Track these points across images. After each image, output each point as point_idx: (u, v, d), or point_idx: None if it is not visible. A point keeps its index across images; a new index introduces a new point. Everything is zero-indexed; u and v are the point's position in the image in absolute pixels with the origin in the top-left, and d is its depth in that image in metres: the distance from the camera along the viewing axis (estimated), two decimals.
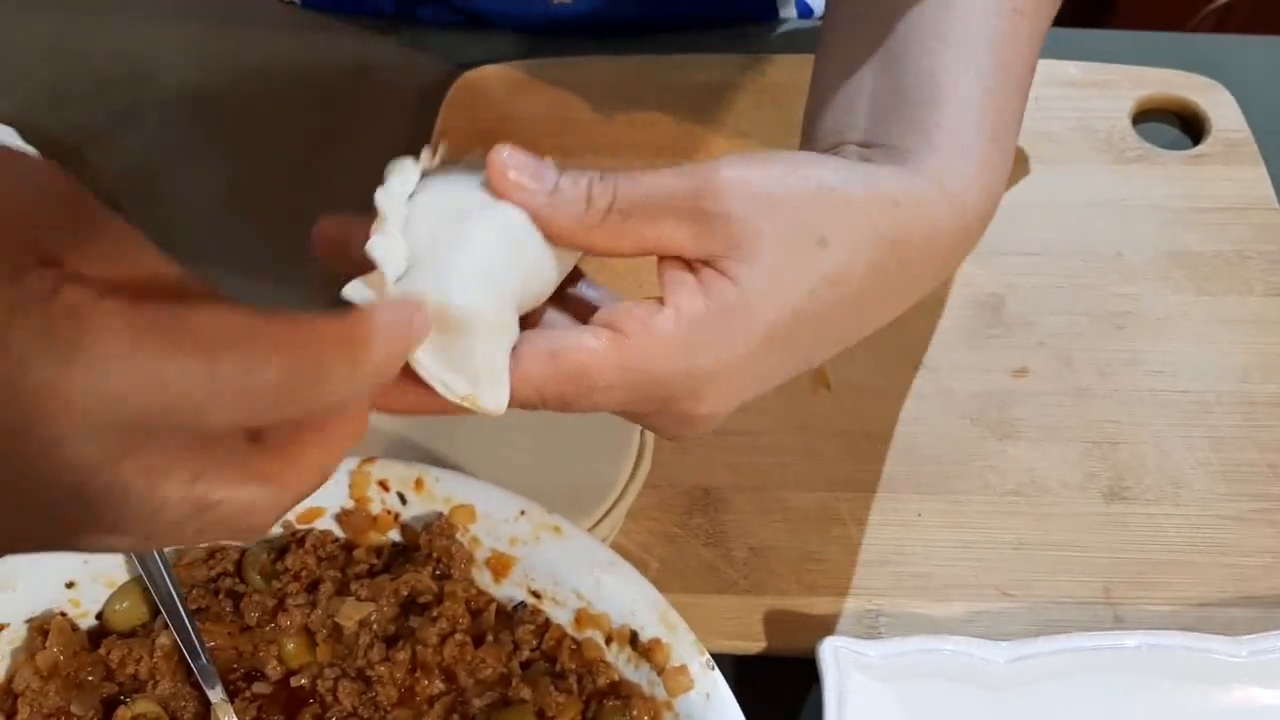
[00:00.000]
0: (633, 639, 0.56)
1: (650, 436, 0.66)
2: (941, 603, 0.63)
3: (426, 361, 0.41)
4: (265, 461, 0.36)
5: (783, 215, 0.45)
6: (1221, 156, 0.81)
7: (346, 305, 0.40)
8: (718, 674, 0.55)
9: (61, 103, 0.89)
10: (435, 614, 0.57)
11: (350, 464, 0.60)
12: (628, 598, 0.57)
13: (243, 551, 0.60)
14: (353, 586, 0.58)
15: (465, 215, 0.43)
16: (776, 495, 0.67)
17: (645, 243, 0.45)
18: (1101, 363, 0.72)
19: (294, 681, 0.57)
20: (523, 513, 0.59)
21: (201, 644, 0.56)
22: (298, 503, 0.37)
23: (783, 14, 0.96)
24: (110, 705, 0.56)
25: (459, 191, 0.44)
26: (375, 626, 0.57)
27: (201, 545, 0.39)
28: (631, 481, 0.65)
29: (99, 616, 0.59)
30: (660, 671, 0.55)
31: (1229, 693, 0.58)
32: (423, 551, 0.59)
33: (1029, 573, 0.64)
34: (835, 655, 0.58)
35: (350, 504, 0.60)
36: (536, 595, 0.58)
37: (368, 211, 0.43)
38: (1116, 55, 0.87)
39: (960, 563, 0.65)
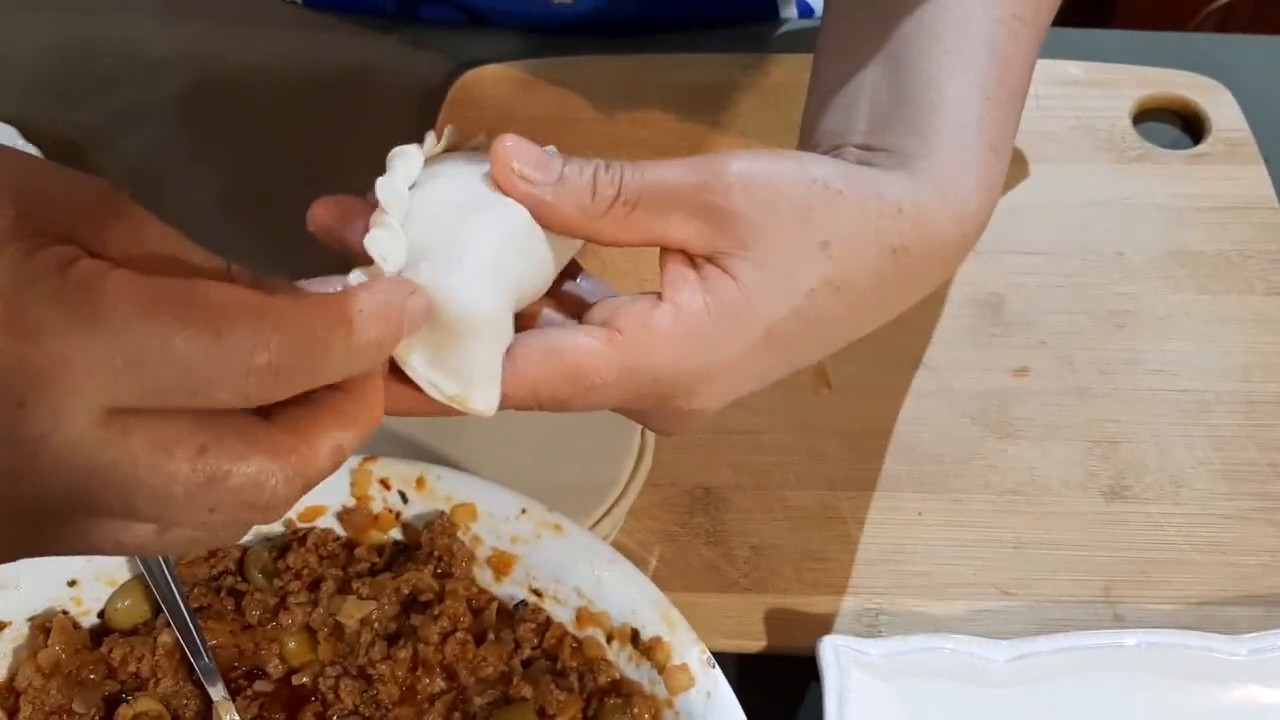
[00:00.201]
0: (634, 637, 0.56)
1: (651, 435, 0.66)
2: (942, 601, 0.63)
3: (415, 363, 0.41)
4: (274, 435, 0.36)
5: (788, 216, 0.45)
6: (1222, 156, 0.81)
7: None
8: (718, 672, 0.55)
9: (63, 102, 0.89)
10: (436, 612, 0.57)
11: (352, 462, 0.60)
12: (629, 596, 0.57)
13: (244, 550, 0.60)
14: (354, 585, 0.58)
15: (467, 211, 0.43)
16: (777, 494, 0.67)
17: (650, 235, 0.45)
18: (1102, 362, 0.72)
19: (295, 680, 0.57)
20: (524, 511, 0.59)
21: (203, 642, 0.56)
22: (311, 484, 0.37)
23: (783, 13, 0.97)
24: (112, 703, 0.56)
25: (462, 183, 0.44)
26: (377, 625, 0.57)
27: (213, 544, 0.38)
28: (632, 480, 0.65)
29: (101, 615, 0.59)
30: (661, 670, 0.55)
31: (1229, 691, 0.58)
32: (424, 550, 0.59)
33: (1029, 571, 0.64)
34: (836, 654, 0.58)
35: (352, 502, 0.60)
36: (538, 593, 0.59)
37: (368, 195, 0.43)
38: (1117, 55, 0.87)
39: (961, 561, 0.65)
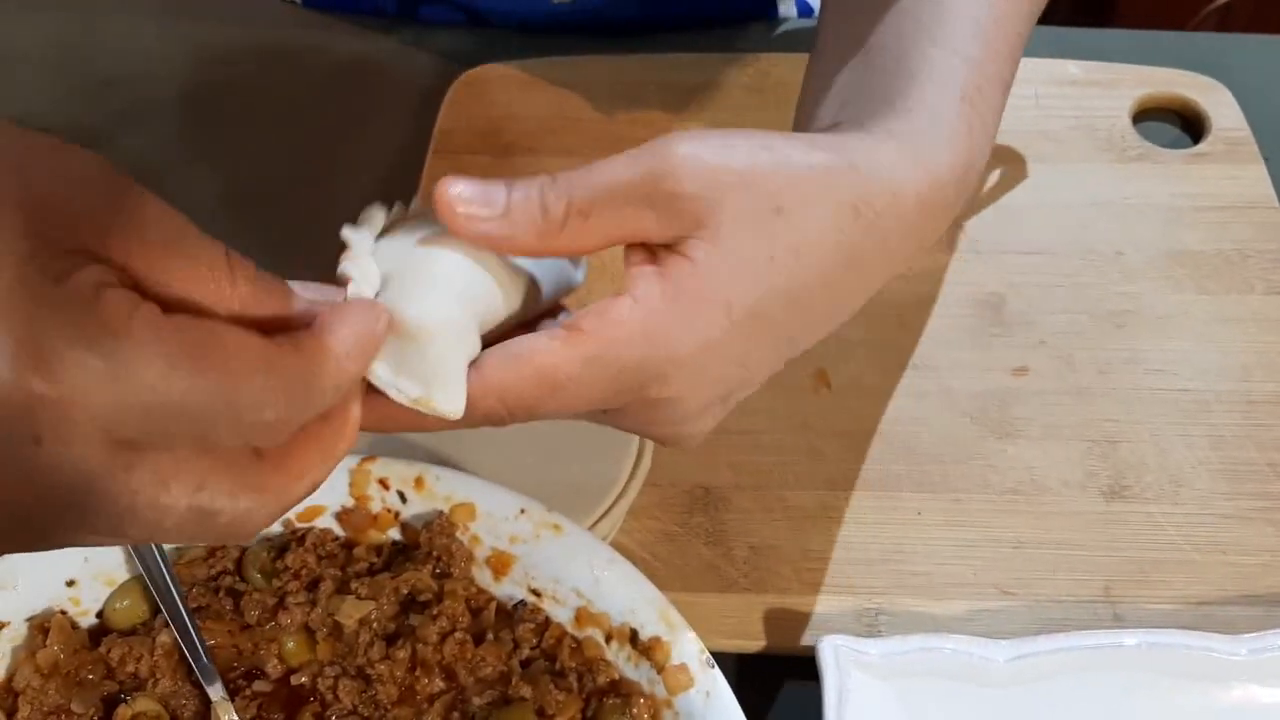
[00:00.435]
0: (633, 637, 0.56)
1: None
2: (941, 601, 0.63)
3: (379, 370, 0.42)
4: (264, 474, 0.37)
5: (738, 188, 0.44)
6: (1222, 155, 0.81)
7: None
8: (717, 672, 0.55)
9: (63, 102, 0.89)
10: (435, 612, 0.57)
11: (350, 462, 0.60)
12: (628, 596, 0.57)
13: (243, 550, 0.60)
14: (353, 585, 0.58)
15: (426, 243, 0.44)
16: (777, 494, 0.67)
17: (611, 236, 0.44)
18: (1102, 361, 0.72)
19: (294, 680, 0.57)
20: (523, 511, 0.59)
21: (202, 642, 0.56)
22: (289, 509, 0.39)
23: (782, 13, 0.97)
24: (111, 703, 0.56)
25: (421, 231, 0.45)
26: (375, 625, 0.57)
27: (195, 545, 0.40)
28: (632, 480, 0.65)
29: (99, 615, 0.59)
30: (660, 670, 0.55)
31: (1229, 691, 0.58)
32: (423, 550, 0.59)
33: (1029, 571, 0.64)
34: (835, 653, 0.58)
35: (350, 502, 0.60)
36: (537, 593, 0.58)
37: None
38: (1117, 54, 0.87)
39: (960, 561, 0.65)
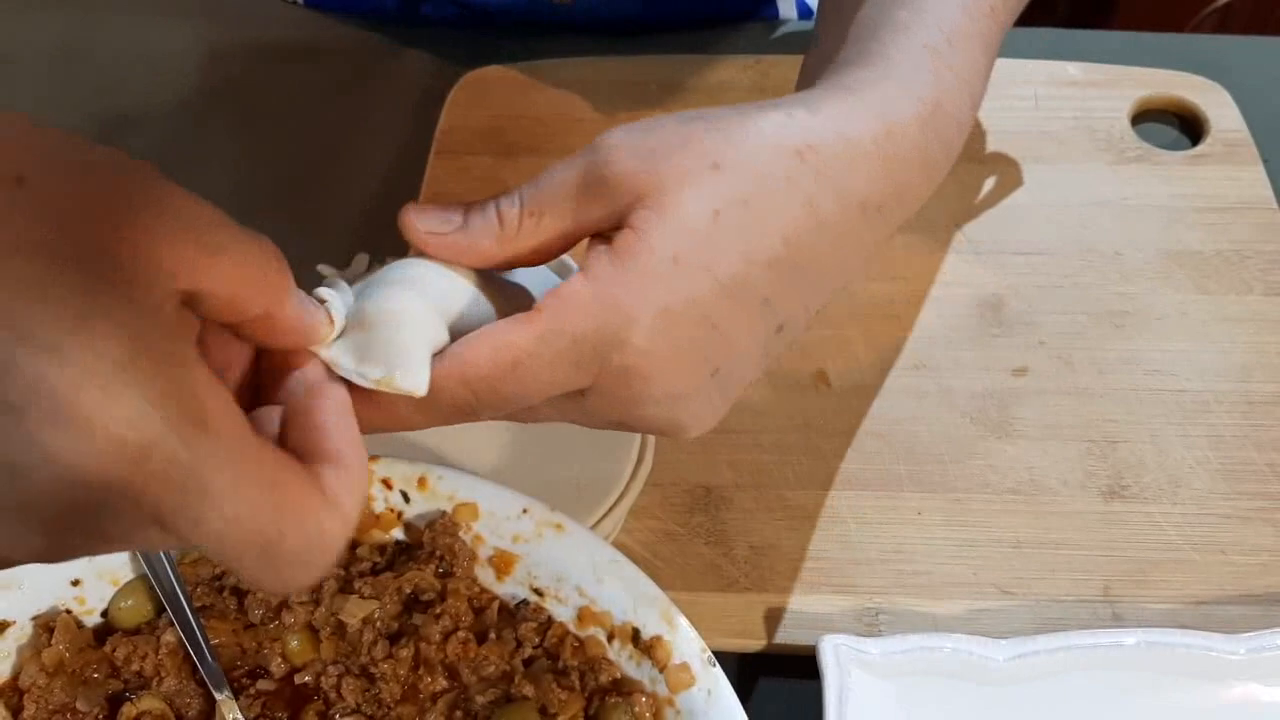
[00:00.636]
0: (635, 636, 0.56)
1: (652, 435, 0.66)
2: (941, 600, 0.64)
3: (343, 360, 0.43)
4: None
5: (670, 154, 0.45)
6: (1221, 157, 0.81)
7: None
8: (719, 670, 0.55)
9: (66, 103, 0.89)
10: (438, 611, 0.57)
11: None
12: (630, 595, 0.57)
13: None
14: (356, 584, 0.58)
15: (399, 264, 0.46)
16: (777, 493, 0.68)
17: (565, 232, 0.46)
18: (1101, 362, 0.72)
19: (298, 678, 0.57)
20: (525, 510, 0.59)
21: (206, 641, 0.57)
22: None
23: (783, 13, 0.97)
24: (115, 702, 0.56)
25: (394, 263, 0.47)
26: (379, 624, 0.58)
27: None
28: (633, 480, 0.65)
29: (104, 614, 0.59)
30: (662, 668, 0.55)
31: (1228, 690, 0.59)
32: (426, 549, 0.59)
33: (1028, 571, 0.64)
34: (836, 652, 0.58)
35: None
36: (539, 593, 0.59)
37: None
38: (1116, 56, 0.87)
39: (960, 561, 0.65)
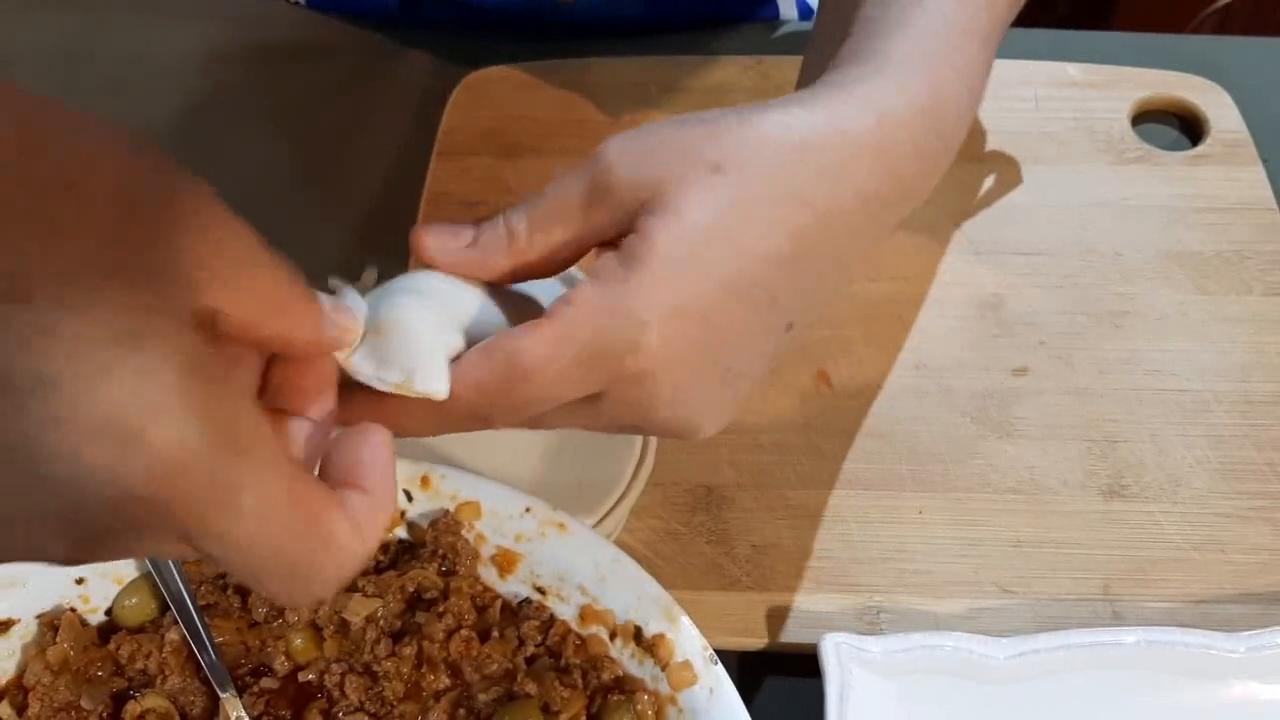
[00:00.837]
0: (637, 634, 0.57)
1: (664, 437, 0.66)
2: (942, 599, 0.64)
3: (362, 365, 0.43)
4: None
5: (669, 158, 0.46)
6: (1220, 157, 0.81)
7: None
8: (721, 669, 0.55)
9: (70, 104, 0.89)
10: (441, 610, 0.58)
11: None
12: (632, 594, 0.57)
13: None
14: (359, 583, 0.59)
15: (410, 276, 0.47)
16: (779, 493, 0.68)
17: (575, 243, 0.47)
18: (1101, 362, 0.72)
19: (301, 676, 0.57)
20: (528, 509, 0.59)
21: (210, 639, 0.57)
22: None
23: (784, 14, 0.97)
24: (120, 700, 0.57)
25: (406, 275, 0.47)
26: (382, 622, 0.58)
27: None
28: (635, 479, 0.65)
29: (108, 612, 0.59)
30: (664, 666, 0.56)
31: (1227, 688, 0.59)
32: (429, 548, 0.59)
33: (1029, 570, 0.65)
34: (837, 651, 0.58)
35: None
36: (542, 591, 0.59)
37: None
38: (1116, 57, 0.87)
39: (961, 560, 0.65)
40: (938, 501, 0.67)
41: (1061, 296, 0.75)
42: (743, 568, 0.65)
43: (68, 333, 0.30)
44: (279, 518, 0.34)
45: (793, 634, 0.63)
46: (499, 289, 0.48)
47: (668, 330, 0.45)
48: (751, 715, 0.54)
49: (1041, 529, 0.66)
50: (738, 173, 0.46)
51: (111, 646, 0.58)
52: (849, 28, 0.54)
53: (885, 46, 0.51)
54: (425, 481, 0.60)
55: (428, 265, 0.46)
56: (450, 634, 0.57)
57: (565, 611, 0.58)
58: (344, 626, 0.58)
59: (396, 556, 0.60)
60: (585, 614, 0.58)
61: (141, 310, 0.31)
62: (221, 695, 0.56)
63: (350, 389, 0.43)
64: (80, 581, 0.59)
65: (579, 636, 0.58)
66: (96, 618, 0.59)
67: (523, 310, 0.47)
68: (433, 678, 0.57)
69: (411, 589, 0.59)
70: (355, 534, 0.37)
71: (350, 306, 0.43)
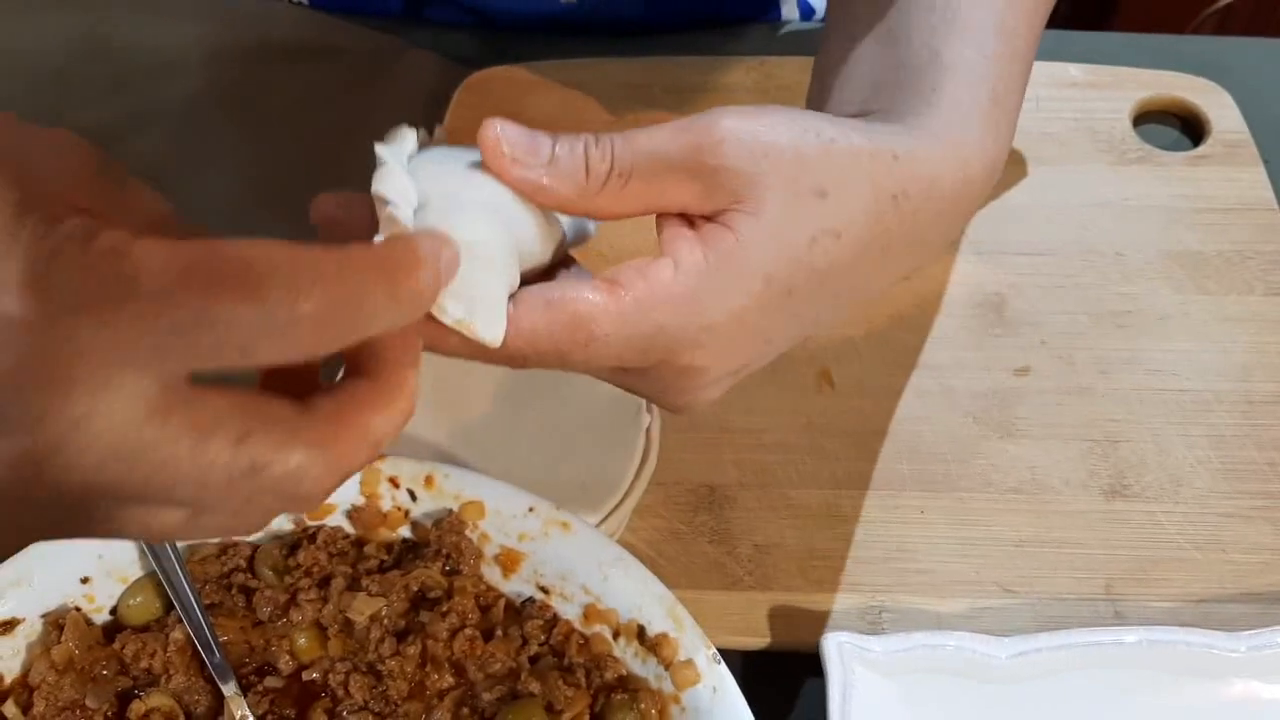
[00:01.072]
0: (640, 633, 0.57)
1: (657, 434, 0.66)
2: (944, 599, 0.64)
3: None
4: (314, 427, 0.35)
5: (782, 167, 0.45)
6: (1222, 158, 0.81)
7: None
8: (724, 668, 0.55)
9: (70, 103, 0.89)
10: (445, 609, 0.58)
11: None
12: (635, 593, 0.57)
13: (255, 547, 0.61)
14: (364, 582, 0.59)
15: (463, 172, 0.43)
16: (781, 493, 0.68)
17: (648, 203, 0.45)
18: (1103, 361, 0.73)
19: (306, 675, 0.57)
20: (531, 509, 0.60)
21: (215, 639, 0.57)
22: (348, 476, 0.37)
23: (785, 15, 0.97)
24: (124, 699, 0.57)
25: (455, 159, 0.44)
26: (386, 621, 0.58)
27: (240, 532, 0.38)
28: (638, 479, 0.65)
29: (113, 611, 0.60)
30: (667, 666, 0.56)
31: (1228, 687, 0.59)
32: (433, 547, 0.60)
33: (1031, 569, 0.65)
34: (839, 650, 0.58)
35: (361, 500, 0.61)
36: (545, 590, 0.59)
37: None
38: (1117, 57, 0.87)
39: (963, 559, 0.65)
40: (940, 501, 0.68)
41: (1063, 296, 0.76)
42: (745, 567, 0.65)
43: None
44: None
45: (795, 633, 0.63)
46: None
47: (727, 335, 0.45)
48: (754, 714, 0.54)
49: (1043, 528, 0.66)
50: (838, 205, 0.46)
51: (116, 646, 0.58)
52: (895, 41, 0.54)
53: (964, 98, 0.51)
54: (429, 481, 0.61)
55: (492, 164, 0.43)
56: (454, 633, 0.57)
57: (569, 611, 0.59)
58: (348, 626, 0.58)
59: (400, 556, 0.61)
60: (589, 613, 0.58)
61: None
62: (226, 694, 0.56)
63: None
64: (85, 581, 0.59)
65: (582, 636, 0.58)
66: (101, 617, 0.59)
67: (556, 236, 0.45)
68: (437, 677, 0.57)
69: (415, 588, 0.59)
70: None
71: (403, 225, 0.40)
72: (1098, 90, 0.85)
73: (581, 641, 0.58)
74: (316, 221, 0.44)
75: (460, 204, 0.42)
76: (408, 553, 0.60)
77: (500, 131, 0.43)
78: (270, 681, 0.58)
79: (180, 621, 0.58)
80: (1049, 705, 0.59)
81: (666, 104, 0.85)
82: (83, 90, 0.90)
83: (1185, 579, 0.64)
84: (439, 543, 0.59)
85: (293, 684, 0.58)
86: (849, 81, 0.55)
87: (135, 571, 0.60)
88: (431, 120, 0.85)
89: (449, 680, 0.57)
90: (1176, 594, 0.64)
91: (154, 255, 0.32)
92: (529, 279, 0.44)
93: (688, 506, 0.68)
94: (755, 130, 0.45)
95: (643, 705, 0.55)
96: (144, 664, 0.57)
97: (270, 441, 0.34)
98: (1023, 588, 0.64)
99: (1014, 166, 0.82)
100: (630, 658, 0.57)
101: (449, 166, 0.44)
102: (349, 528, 0.61)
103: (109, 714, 0.56)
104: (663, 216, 0.45)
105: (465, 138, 0.85)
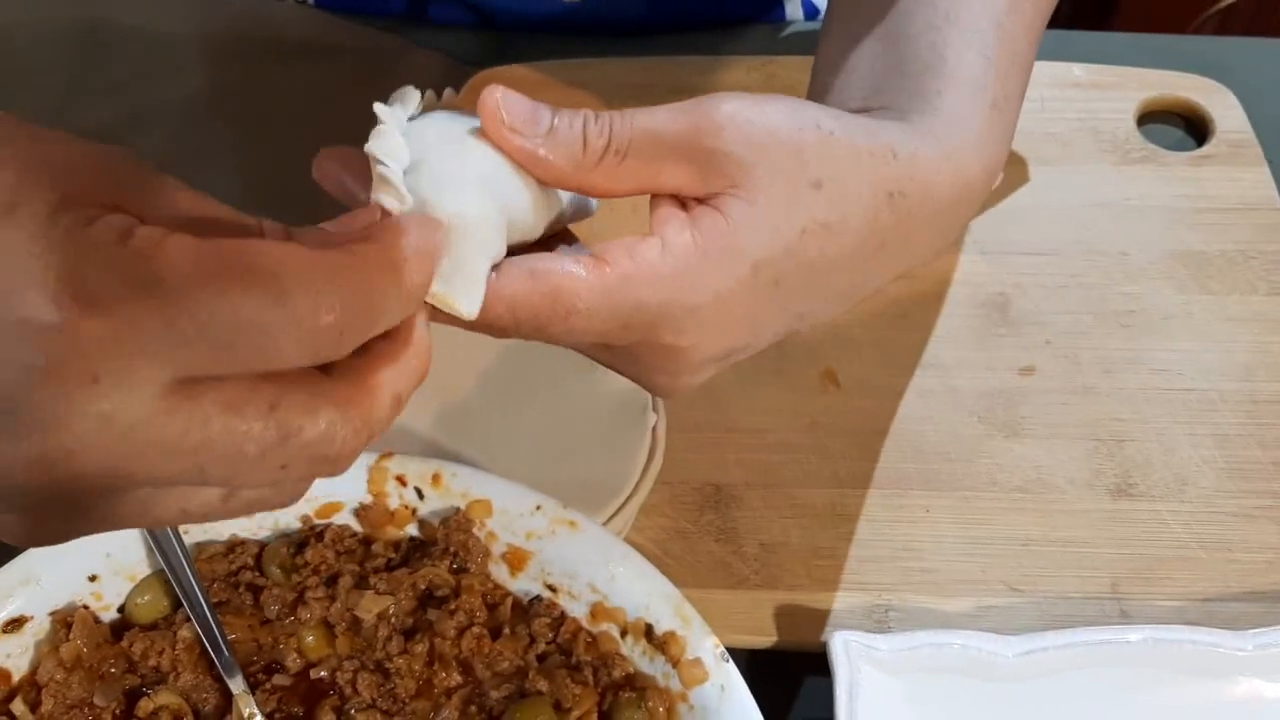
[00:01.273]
0: (648, 632, 0.57)
1: (663, 433, 0.67)
2: (950, 597, 0.64)
3: None
4: (339, 388, 0.36)
5: (780, 155, 0.45)
6: (1225, 158, 0.81)
7: None
8: (732, 666, 0.55)
9: (73, 103, 0.89)
10: (453, 607, 0.58)
11: (368, 459, 0.61)
12: (642, 591, 0.57)
13: (262, 546, 0.61)
14: (371, 580, 0.59)
15: (458, 140, 0.43)
16: (786, 492, 0.68)
17: (644, 183, 0.45)
18: (1107, 361, 0.73)
19: (314, 673, 0.58)
20: (539, 507, 0.60)
21: (223, 636, 0.57)
22: (375, 435, 0.37)
23: (789, 14, 0.97)
24: (133, 696, 0.57)
25: (455, 124, 0.44)
26: (393, 619, 0.58)
27: (277, 504, 0.39)
28: (644, 478, 0.65)
29: (121, 610, 0.60)
30: (675, 664, 0.56)
31: (1234, 686, 0.59)
32: (440, 545, 0.60)
33: (1036, 568, 0.65)
34: (846, 649, 0.59)
35: (368, 499, 0.61)
36: (552, 589, 0.59)
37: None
38: (1121, 57, 0.88)
39: (968, 558, 0.66)
40: (945, 500, 0.68)
41: (1067, 296, 0.76)
42: (751, 566, 0.65)
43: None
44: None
45: (801, 632, 0.63)
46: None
47: (711, 319, 0.45)
48: (761, 713, 0.54)
49: (1049, 528, 0.66)
50: (832, 198, 0.45)
51: (124, 644, 0.58)
52: (896, 41, 0.54)
53: (968, 104, 0.51)
54: (436, 479, 0.61)
55: (489, 131, 0.43)
56: (462, 631, 0.57)
57: (576, 609, 0.59)
58: (356, 624, 0.58)
59: (408, 554, 0.61)
60: (596, 611, 0.58)
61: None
62: (234, 692, 0.56)
63: None
64: (93, 579, 0.59)
65: (590, 634, 0.58)
66: (109, 615, 0.60)
67: (553, 208, 0.45)
68: (444, 675, 0.57)
69: (423, 586, 0.59)
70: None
71: (397, 189, 0.40)
72: (1101, 90, 0.85)
73: (589, 640, 0.58)
74: (319, 178, 0.45)
75: (449, 172, 0.42)
76: (415, 551, 0.61)
77: (501, 98, 0.43)
78: (278, 679, 0.58)
79: (188, 619, 0.58)
80: (1055, 704, 0.59)
81: (669, 104, 0.85)
82: (84, 89, 0.90)
83: (1190, 578, 0.65)
84: (446, 541, 0.59)
85: (300, 682, 0.58)
86: (850, 79, 0.55)
87: (143, 570, 0.60)
88: None
89: (457, 678, 0.57)
90: (1182, 593, 0.64)
91: (185, 253, 0.32)
92: (523, 251, 0.44)
93: (693, 505, 0.68)
94: (755, 117, 0.45)
95: (650, 703, 0.55)
96: (152, 662, 0.57)
97: (298, 407, 0.35)
98: (1028, 586, 0.64)
99: (1017, 167, 0.82)
100: (638, 656, 0.57)
101: (448, 131, 0.43)
102: (356, 526, 0.61)
103: (117, 712, 0.56)
104: (657, 197, 0.45)
105: None
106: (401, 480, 0.61)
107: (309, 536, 0.60)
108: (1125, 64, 0.87)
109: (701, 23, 0.93)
